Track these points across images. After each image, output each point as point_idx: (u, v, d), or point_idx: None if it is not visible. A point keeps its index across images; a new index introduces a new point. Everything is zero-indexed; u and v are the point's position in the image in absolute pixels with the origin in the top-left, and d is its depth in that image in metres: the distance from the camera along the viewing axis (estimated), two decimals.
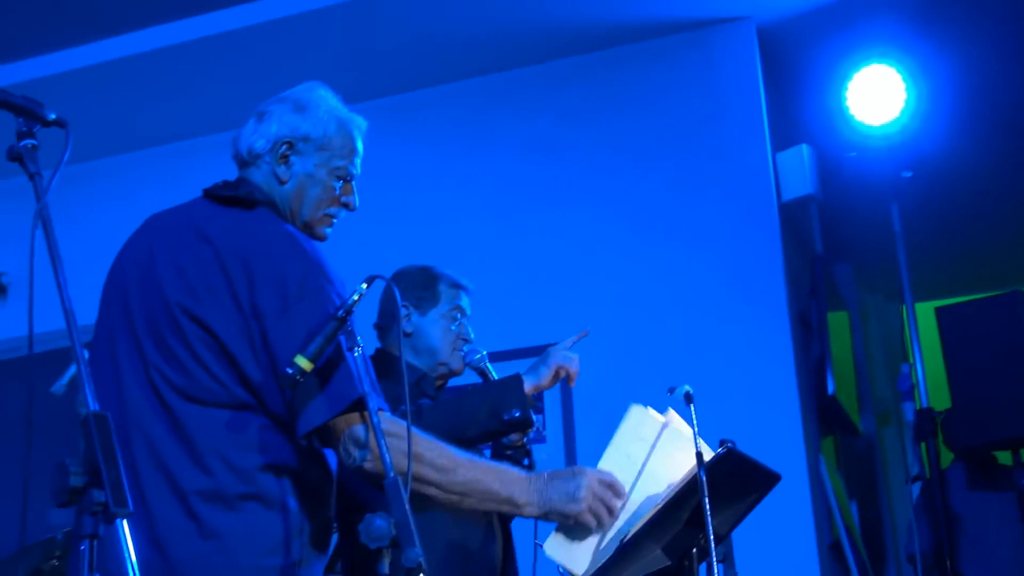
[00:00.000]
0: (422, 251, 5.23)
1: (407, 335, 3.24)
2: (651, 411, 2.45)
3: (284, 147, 2.35)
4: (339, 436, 2.10)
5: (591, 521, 2.27)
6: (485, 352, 3.26)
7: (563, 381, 3.00)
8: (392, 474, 1.93)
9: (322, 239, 2.42)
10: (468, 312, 3.33)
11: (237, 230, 2.23)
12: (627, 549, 2.57)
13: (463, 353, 3.26)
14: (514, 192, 5.39)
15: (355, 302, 2.32)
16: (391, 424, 2.09)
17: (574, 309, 5.04)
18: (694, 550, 2.70)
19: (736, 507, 2.84)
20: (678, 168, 5.15)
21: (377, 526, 2.11)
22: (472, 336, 3.31)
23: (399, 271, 3.36)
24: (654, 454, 2.37)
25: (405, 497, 2.12)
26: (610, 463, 2.39)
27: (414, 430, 2.07)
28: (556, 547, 2.37)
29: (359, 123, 2.45)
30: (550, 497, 2.23)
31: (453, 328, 3.26)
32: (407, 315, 3.25)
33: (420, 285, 3.28)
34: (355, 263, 4.75)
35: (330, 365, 2.09)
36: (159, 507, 2.08)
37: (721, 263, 4.92)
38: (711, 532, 2.43)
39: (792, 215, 5.26)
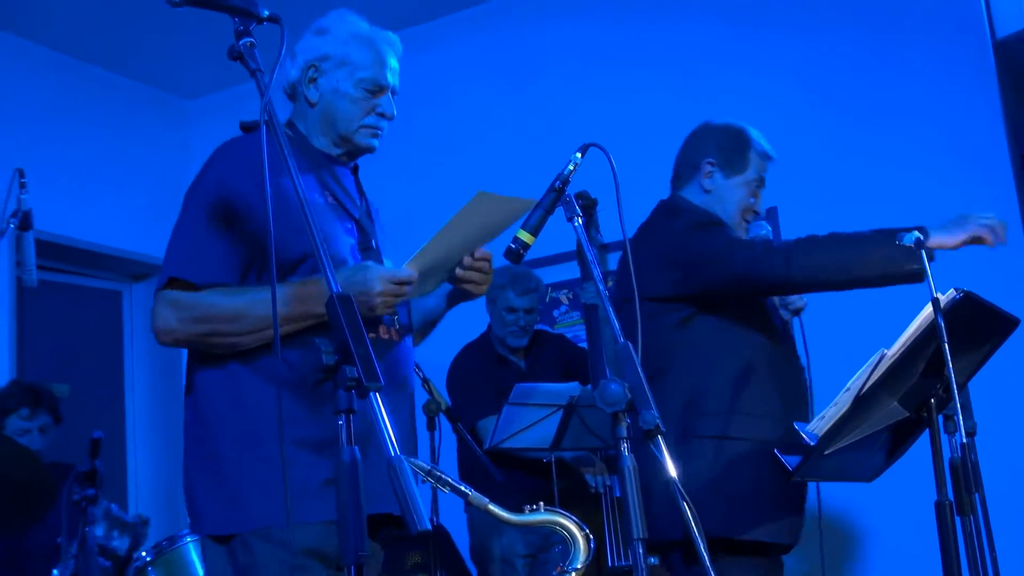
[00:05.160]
0: (619, 123, 5.23)
1: (706, 191, 3.17)
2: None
3: (311, 70, 2.46)
4: None
5: (387, 313, 2.29)
6: (769, 228, 3.18)
7: None
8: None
9: (370, 150, 2.50)
10: (764, 184, 3.22)
11: None
12: (862, 402, 2.54)
13: (748, 226, 3.18)
14: (704, 58, 5.26)
15: (571, 172, 2.34)
16: (184, 297, 2.25)
17: (779, 174, 4.92)
18: (932, 400, 2.63)
19: (973, 355, 2.75)
20: (880, 17, 4.91)
21: (612, 391, 2.14)
22: (763, 212, 3.21)
23: (708, 125, 3.26)
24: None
25: (636, 361, 2.14)
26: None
27: (184, 295, 2.24)
28: None
29: (387, 37, 2.50)
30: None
31: (751, 200, 3.17)
32: (710, 172, 3.17)
33: (731, 147, 3.17)
34: (562, 137, 4.78)
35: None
36: None
37: (935, 109, 4.69)
38: (953, 378, 2.35)
39: (1008, 52, 4.94)
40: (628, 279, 3.16)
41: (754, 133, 3.21)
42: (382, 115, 2.46)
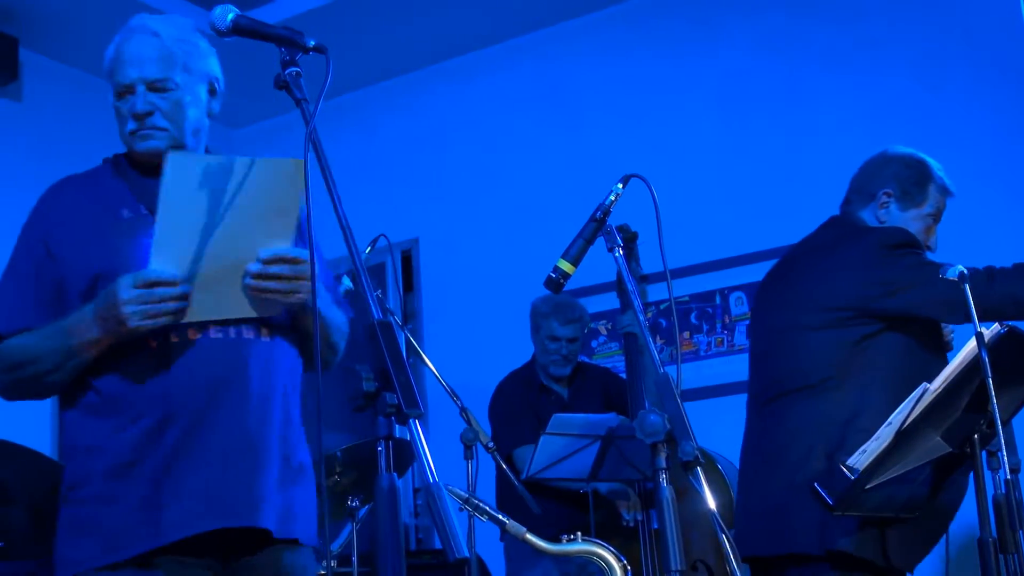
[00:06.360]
0: (656, 154, 5.23)
1: (880, 222, 3.09)
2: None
3: (113, 98, 2.32)
4: None
5: (149, 324, 2.06)
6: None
7: None
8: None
9: (151, 153, 2.27)
10: (940, 220, 3.14)
11: None
12: (904, 436, 2.52)
13: None
14: (746, 91, 5.26)
15: (612, 202, 2.34)
16: None
17: (817, 210, 4.90)
18: (975, 436, 2.61)
19: (1017, 391, 2.73)
20: (922, 53, 4.90)
21: (651, 422, 2.14)
22: (936, 246, 3.12)
23: (887, 154, 3.18)
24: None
25: (676, 391, 2.14)
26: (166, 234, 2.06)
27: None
28: None
29: (129, 27, 2.30)
30: (106, 323, 2.10)
31: (925, 235, 3.09)
32: (886, 203, 3.09)
33: (912, 178, 3.10)
34: (604, 168, 4.78)
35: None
36: None
37: (975, 150, 4.66)
38: (997, 414, 2.33)
39: None
40: (787, 289, 3.12)
41: (935, 166, 3.14)
42: (134, 116, 2.25)
